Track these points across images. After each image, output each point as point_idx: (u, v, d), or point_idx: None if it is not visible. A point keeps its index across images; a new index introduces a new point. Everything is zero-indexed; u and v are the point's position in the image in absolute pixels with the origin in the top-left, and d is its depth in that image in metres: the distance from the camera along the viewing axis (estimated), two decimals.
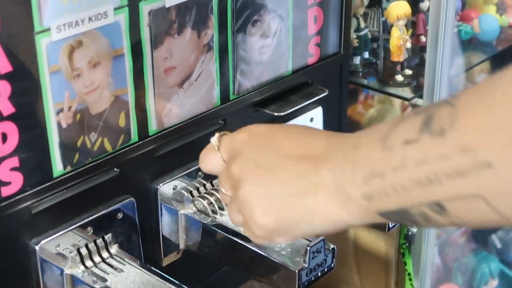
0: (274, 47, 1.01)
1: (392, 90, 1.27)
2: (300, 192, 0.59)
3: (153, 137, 0.90)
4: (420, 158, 0.49)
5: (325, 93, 1.07)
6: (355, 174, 0.54)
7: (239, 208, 0.63)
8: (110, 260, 0.84)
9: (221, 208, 0.93)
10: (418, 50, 1.33)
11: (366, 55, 1.32)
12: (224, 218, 0.92)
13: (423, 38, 1.30)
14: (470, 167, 0.46)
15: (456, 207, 0.48)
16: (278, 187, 0.60)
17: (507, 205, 0.45)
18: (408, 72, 1.28)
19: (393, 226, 0.94)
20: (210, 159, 0.69)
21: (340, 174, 0.56)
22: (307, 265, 0.82)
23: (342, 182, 0.56)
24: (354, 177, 0.54)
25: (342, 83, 1.14)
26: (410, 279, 1.33)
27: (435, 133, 0.48)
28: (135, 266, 0.83)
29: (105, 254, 0.84)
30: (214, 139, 0.68)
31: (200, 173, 0.95)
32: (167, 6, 0.85)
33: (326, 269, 0.84)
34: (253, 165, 0.62)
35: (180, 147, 0.93)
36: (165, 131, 0.91)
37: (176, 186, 0.93)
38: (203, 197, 0.93)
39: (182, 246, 0.95)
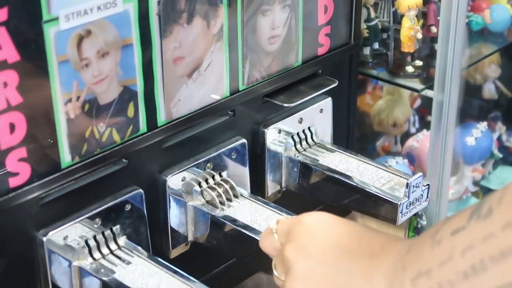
0: (284, 37, 1.00)
1: (402, 81, 1.26)
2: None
3: (161, 128, 0.89)
4: (467, 244, 0.47)
5: (335, 84, 1.06)
6: (405, 277, 0.52)
7: None
8: (118, 252, 0.83)
9: (229, 200, 0.92)
10: (428, 41, 1.32)
11: (376, 45, 1.30)
12: (232, 210, 0.91)
13: (433, 29, 1.29)
14: None
15: None
16: (325, 285, 0.58)
17: None
18: (419, 63, 1.27)
19: (404, 219, 0.93)
20: (267, 239, 0.67)
21: (391, 278, 0.53)
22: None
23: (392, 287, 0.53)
24: (404, 280, 0.52)
25: (351, 73, 1.13)
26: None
27: (483, 215, 0.46)
28: (143, 258, 0.82)
29: (113, 246, 0.83)
30: (273, 223, 0.67)
31: (209, 164, 0.94)
32: None
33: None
34: (305, 255, 0.60)
35: (189, 138, 0.93)
36: (173, 122, 0.90)
37: (184, 177, 0.92)
38: (212, 189, 0.92)
39: (190, 238, 0.94)
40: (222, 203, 0.91)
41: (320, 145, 1.04)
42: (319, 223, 0.62)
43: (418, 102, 1.54)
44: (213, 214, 0.91)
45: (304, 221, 0.63)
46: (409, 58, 1.26)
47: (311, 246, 0.60)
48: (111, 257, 0.83)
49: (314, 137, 1.04)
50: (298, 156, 1.02)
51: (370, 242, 0.58)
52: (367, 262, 0.56)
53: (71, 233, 0.82)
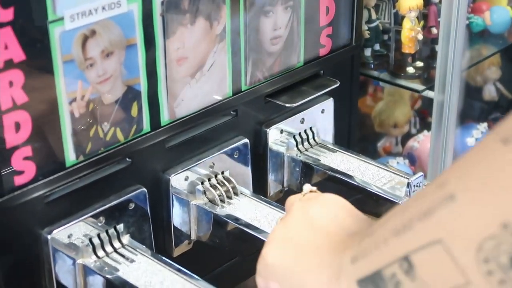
0: (286, 38, 1.01)
1: (403, 82, 1.26)
2: (313, 252, 0.57)
3: (165, 127, 0.90)
4: (407, 205, 0.46)
5: (337, 85, 1.07)
6: (355, 239, 0.52)
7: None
8: (122, 250, 0.84)
9: (232, 199, 0.93)
10: (429, 42, 1.32)
11: (377, 47, 1.31)
12: (235, 209, 0.92)
13: (434, 30, 1.29)
14: (436, 203, 0.42)
15: (421, 261, 0.43)
16: (301, 239, 0.59)
17: (467, 251, 0.40)
18: (419, 64, 1.27)
19: None
20: (293, 200, 0.67)
21: (348, 243, 0.54)
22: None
23: (344, 250, 0.53)
24: (354, 242, 0.52)
25: (353, 74, 1.14)
26: None
27: (438, 181, 0.45)
28: (146, 256, 0.83)
29: (117, 244, 0.84)
30: (306, 188, 0.66)
31: (212, 163, 0.95)
32: None
33: None
34: (302, 214, 0.61)
35: (192, 138, 0.93)
36: (177, 122, 0.91)
37: (187, 176, 0.92)
38: (215, 188, 0.93)
39: (193, 236, 0.95)
40: (224, 202, 0.92)
41: (321, 145, 1.05)
42: (333, 203, 0.62)
43: (419, 103, 1.55)
44: (216, 213, 0.91)
45: (326, 196, 0.63)
46: (410, 59, 1.27)
47: (312, 211, 0.61)
48: (115, 255, 0.83)
49: (315, 137, 1.05)
50: (300, 156, 1.02)
51: (350, 226, 0.58)
52: (341, 243, 0.56)
53: (76, 231, 0.82)
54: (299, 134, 1.04)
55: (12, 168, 0.76)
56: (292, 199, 0.67)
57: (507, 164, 0.38)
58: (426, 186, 0.45)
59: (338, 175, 0.99)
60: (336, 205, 0.62)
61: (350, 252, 0.50)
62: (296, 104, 1.02)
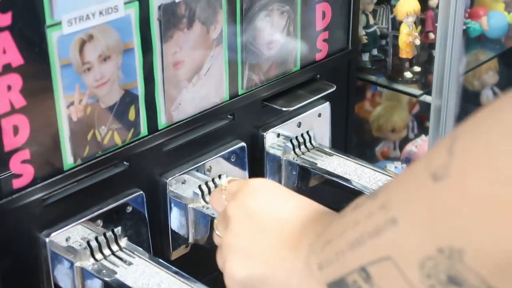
0: (283, 42, 1.01)
1: (400, 87, 1.27)
2: (279, 256, 0.59)
3: (162, 131, 0.90)
4: (355, 219, 0.50)
5: (333, 89, 1.08)
6: (319, 244, 0.55)
7: (222, 253, 0.64)
8: (119, 253, 0.84)
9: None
10: (426, 47, 1.33)
11: (375, 51, 1.32)
12: None
13: (431, 35, 1.30)
14: (383, 224, 0.47)
15: (376, 273, 0.48)
16: (260, 245, 0.61)
17: (412, 267, 0.45)
18: (417, 69, 1.28)
19: None
20: (216, 196, 0.70)
21: (312, 245, 0.57)
22: None
23: (309, 254, 0.56)
24: (316, 248, 0.55)
25: (349, 78, 1.15)
26: None
27: (373, 196, 0.50)
28: (144, 259, 0.83)
29: (114, 247, 0.85)
30: (224, 181, 0.69)
31: (209, 167, 0.95)
32: (176, 0, 0.86)
33: None
34: (245, 214, 0.63)
35: (189, 141, 0.94)
36: (174, 125, 0.91)
37: (185, 180, 0.93)
38: (212, 191, 0.93)
39: (190, 239, 0.95)
40: None
41: (318, 149, 1.05)
42: (264, 188, 0.65)
43: (416, 108, 1.56)
44: (214, 216, 0.92)
45: (251, 183, 0.66)
46: (407, 64, 1.27)
47: (252, 207, 0.63)
48: (112, 258, 0.84)
49: (312, 141, 1.06)
50: (297, 160, 1.03)
51: (309, 214, 0.61)
52: (298, 232, 0.59)
53: (73, 234, 0.83)
54: (296, 138, 1.04)
55: (10, 171, 0.77)
56: (217, 197, 0.69)
57: (437, 201, 0.43)
58: (366, 201, 0.51)
59: (335, 179, 0.99)
60: (266, 190, 0.64)
61: (316, 259, 0.54)
62: (293, 108, 1.03)
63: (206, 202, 0.93)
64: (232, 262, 0.62)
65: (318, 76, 1.09)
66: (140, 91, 0.86)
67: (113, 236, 0.85)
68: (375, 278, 0.49)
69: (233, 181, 0.69)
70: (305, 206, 0.63)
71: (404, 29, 1.25)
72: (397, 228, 0.46)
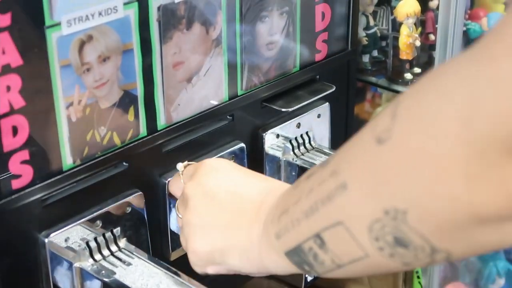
0: (282, 43, 1.02)
1: (400, 88, 1.27)
2: (237, 227, 0.61)
3: (161, 131, 0.90)
4: (308, 187, 0.52)
5: (332, 90, 1.08)
6: (275, 215, 0.57)
7: (184, 232, 0.66)
8: (118, 254, 0.84)
9: None
10: (427, 49, 1.33)
11: (375, 53, 1.32)
12: None
13: (432, 37, 1.30)
14: (333, 190, 0.48)
15: (330, 238, 0.50)
16: (218, 218, 0.63)
17: (361, 231, 0.47)
18: (417, 70, 1.28)
19: None
20: (175, 182, 0.73)
21: (268, 216, 0.59)
22: None
23: (267, 224, 0.58)
24: (273, 217, 0.57)
25: (349, 79, 1.15)
26: (418, 277, 1.33)
27: (325, 163, 0.51)
28: (143, 260, 0.83)
29: (113, 248, 0.85)
30: (180, 166, 0.72)
31: None
32: (176, 1, 0.86)
33: None
34: (202, 192, 0.65)
35: (189, 142, 0.94)
36: (173, 126, 0.91)
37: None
38: None
39: None
40: None
41: (318, 150, 1.05)
42: (220, 166, 0.68)
43: None
44: None
45: (207, 163, 0.68)
46: (407, 66, 1.27)
47: (209, 185, 0.65)
48: (111, 258, 0.84)
49: (312, 142, 1.06)
50: (296, 161, 1.03)
51: (265, 187, 0.64)
52: (256, 204, 0.61)
53: (73, 235, 0.83)
54: (296, 138, 1.04)
55: (9, 172, 0.77)
56: (175, 183, 0.73)
57: (381, 163, 0.45)
58: (318, 169, 0.52)
59: None
60: (222, 168, 0.67)
61: (273, 229, 0.57)
62: (292, 108, 1.03)
63: None
64: (193, 239, 0.64)
65: (318, 77, 1.09)
66: (140, 91, 0.86)
67: (112, 237, 0.85)
68: (329, 244, 0.50)
69: (189, 165, 0.71)
70: (260, 180, 0.65)
71: (404, 31, 1.25)
72: (346, 192, 0.47)
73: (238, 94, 0.99)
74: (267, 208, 0.60)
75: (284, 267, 0.58)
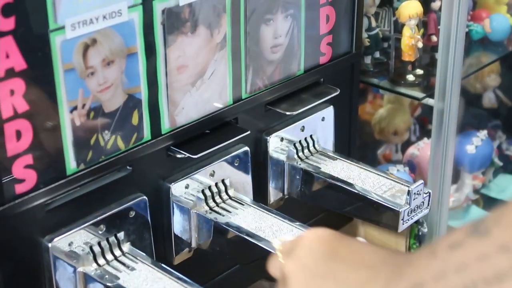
0: (286, 46, 1.01)
1: (403, 89, 1.27)
2: None
3: (165, 135, 0.90)
4: (461, 262, 0.45)
5: (337, 93, 1.07)
6: (399, 286, 0.50)
7: None
8: (122, 258, 0.84)
9: (233, 207, 0.93)
10: (429, 50, 1.32)
11: (377, 54, 1.31)
12: (235, 217, 0.92)
13: (434, 38, 1.30)
14: (508, 268, 0.42)
15: None
16: None
17: None
18: (419, 71, 1.28)
19: (405, 226, 0.94)
20: (273, 263, 0.65)
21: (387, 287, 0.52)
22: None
23: None
24: None
25: (353, 82, 1.14)
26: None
27: (481, 233, 0.44)
28: (147, 264, 0.83)
29: (117, 252, 0.84)
30: (276, 243, 0.66)
31: (212, 171, 0.95)
32: (180, 4, 0.85)
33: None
34: (303, 267, 0.59)
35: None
36: (177, 130, 0.91)
37: (188, 184, 0.93)
38: (215, 196, 0.93)
39: (193, 244, 0.95)
40: (225, 210, 0.92)
41: (322, 153, 1.05)
42: (318, 238, 0.61)
43: (418, 111, 1.55)
44: (217, 221, 0.91)
45: (305, 237, 0.62)
46: (409, 67, 1.27)
47: (308, 259, 0.59)
48: (115, 263, 0.84)
49: (316, 145, 1.05)
50: (300, 164, 1.02)
51: (370, 255, 0.57)
52: (364, 273, 0.55)
53: (76, 239, 0.83)
54: (300, 142, 1.04)
55: (13, 176, 0.76)
56: (273, 263, 0.64)
57: None
58: (469, 239, 0.45)
59: (338, 183, 0.99)
60: (320, 242, 0.60)
61: None
62: (297, 112, 1.02)
63: (209, 207, 0.93)
64: None
65: (322, 80, 1.09)
66: (144, 95, 0.86)
67: (116, 241, 0.84)
68: None
69: (286, 241, 0.65)
70: (359, 245, 0.59)
71: (406, 32, 1.24)
72: None
73: (242, 98, 0.98)
74: (383, 281, 0.52)
75: None
